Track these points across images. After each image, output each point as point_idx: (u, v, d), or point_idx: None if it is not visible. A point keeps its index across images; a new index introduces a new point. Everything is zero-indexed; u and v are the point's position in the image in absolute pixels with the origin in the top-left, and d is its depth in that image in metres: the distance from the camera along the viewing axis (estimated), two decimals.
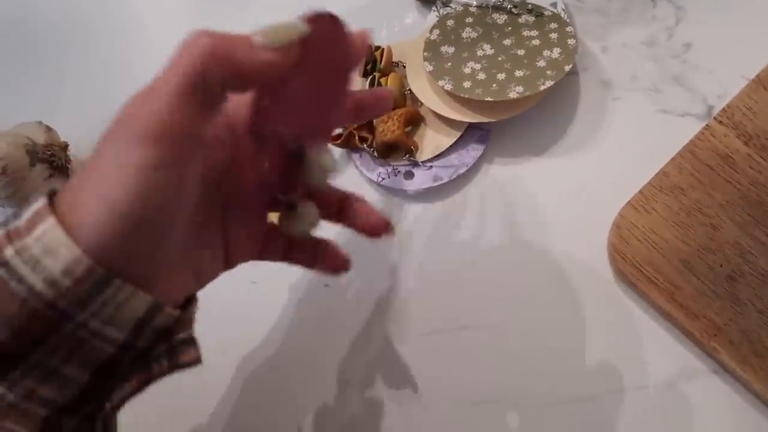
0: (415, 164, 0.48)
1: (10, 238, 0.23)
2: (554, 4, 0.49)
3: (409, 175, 0.48)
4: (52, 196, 0.24)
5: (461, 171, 0.47)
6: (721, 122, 0.44)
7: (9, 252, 0.22)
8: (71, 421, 0.25)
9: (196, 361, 0.27)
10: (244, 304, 0.47)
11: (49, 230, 0.23)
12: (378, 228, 0.35)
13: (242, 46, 0.23)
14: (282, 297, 0.47)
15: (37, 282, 0.22)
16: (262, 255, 0.34)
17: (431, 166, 0.48)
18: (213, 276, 0.33)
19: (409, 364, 0.44)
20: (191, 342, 0.27)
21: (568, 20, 0.48)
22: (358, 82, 0.51)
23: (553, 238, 0.45)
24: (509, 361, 0.43)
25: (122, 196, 0.23)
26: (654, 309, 0.42)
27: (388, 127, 0.47)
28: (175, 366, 0.26)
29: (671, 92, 0.47)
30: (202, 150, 0.26)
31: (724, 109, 0.45)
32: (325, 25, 0.25)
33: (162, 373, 0.26)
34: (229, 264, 0.33)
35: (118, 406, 0.26)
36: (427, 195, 0.48)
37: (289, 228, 0.32)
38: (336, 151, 0.50)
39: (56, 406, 0.24)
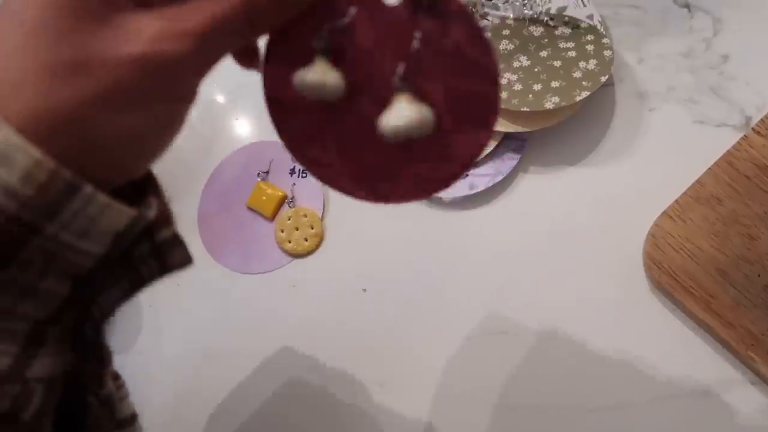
0: None
1: None
2: (590, 17, 0.50)
3: None
4: None
5: (497, 180, 0.48)
6: (759, 133, 0.45)
7: None
8: (56, 329, 0.24)
9: (187, 261, 0.25)
10: (282, 308, 0.49)
11: None
12: None
13: None
14: (320, 300, 0.49)
15: None
16: None
17: (467, 175, 0.49)
18: None
19: (446, 368, 0.44)
20: (177, 242, 0.25)
21: (604, 32, 0.49)
22: None
23: (589, 246, 0.46)
24: (545, 366, 0.43)
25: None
26: (690, 318, 0.42)
27: None
28: (166, 269, 0.25)
29: (708, 103, 0.48)
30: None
31: (762, 119, 0.45)
32: None
33: (153, 277, 0.25)
34: None
35: (108, 313, 0.24)
36: (462, 203, 0.49)
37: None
38: None
39: (38, 320, 0.23)
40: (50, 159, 0.19)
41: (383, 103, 0.24)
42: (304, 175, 0.53)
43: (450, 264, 0.48)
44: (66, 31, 0.20)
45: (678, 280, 0.42)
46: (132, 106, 0.21)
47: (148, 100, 0.21)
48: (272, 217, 0.52)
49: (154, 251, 0.24)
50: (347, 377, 0.46)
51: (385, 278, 0.48)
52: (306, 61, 0.24)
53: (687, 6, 0.50)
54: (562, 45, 0.49)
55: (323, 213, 0.51)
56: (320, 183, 0.27)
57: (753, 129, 0.45)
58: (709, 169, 0.44)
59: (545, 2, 0.51)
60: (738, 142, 0.45)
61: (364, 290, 0.48)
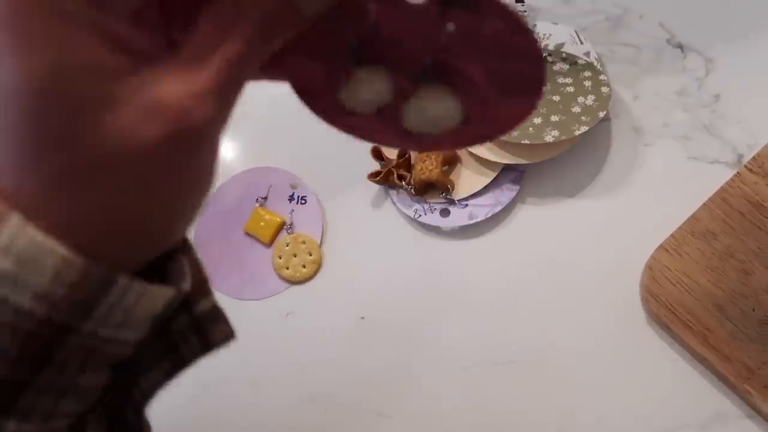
0: (452, 202, 0.49)
1: None
2: (587, 54, 0.52)
3: (445, 213, 0.49)
4: None
5: (496, 210, 0.48)
6: (751, 170, 0.46)
7: None
8: (96, 409, 0.22)
9: (230, 336, 0.23)
10: (280, 335, 0.48)
11: (17, 234, 0.18)
12: None
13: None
14: (316, 328, 0.48)
15: (22, 300, 0.18)
16: None
17: (467, 205, 0.49)
18: None
19: (443, 396, 0.44)
20: (218, 315, 0.23)
21: (601, 69, 0.50)
22: None
23: (586, 278, 0.46)
24: (542, 397, 0.43)
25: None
26: (687, 351, 0.43)
27: (426, 166, 0.49)
28: (209, 347, 0.23)
29: (702, 140, 0.49)
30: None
31: (754, 157, 0.46)
32: None
33: (195, 356, 0.23)
34: None
35: (150, 395, 0.23)
36: (461, 232, 0.49)
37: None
38: (373, 188, 0.52)
39: (78, 413, 0.21)
40: (79, 256, 0.18)
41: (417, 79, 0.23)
42: (303, 201, 0.53)
43: (448, 293, 0.48)
44: (79, 121, 0.17)
45: (675, 313, 0.43)
46: (161, 183, 0.19)
47: (178, 172, 0.19)
48: (270, 243, 0.52)
49: (193, 325, 0.23)
50: (344, 405, 0.45)
51: (383, 306, 0.48)
52: (333, 59, 0.23)
53: (680, 46, 0.52)
54: (560, 80, 0.50)
55: (322, 240, 0.51)
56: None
57: (745, 166, 0.46)
58: (704, 204, 0.45)
59: (543, 38, 0.53)
60: (731, 179, 0.46)
61: (362, 318, 0.48)
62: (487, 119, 0.24)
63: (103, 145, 0.18)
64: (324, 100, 0.24)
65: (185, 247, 0.23)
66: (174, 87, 0.18)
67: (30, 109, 0.17)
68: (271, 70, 0.23)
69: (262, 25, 0.19)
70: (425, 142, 0.25)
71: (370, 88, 0.23)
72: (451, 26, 0.22)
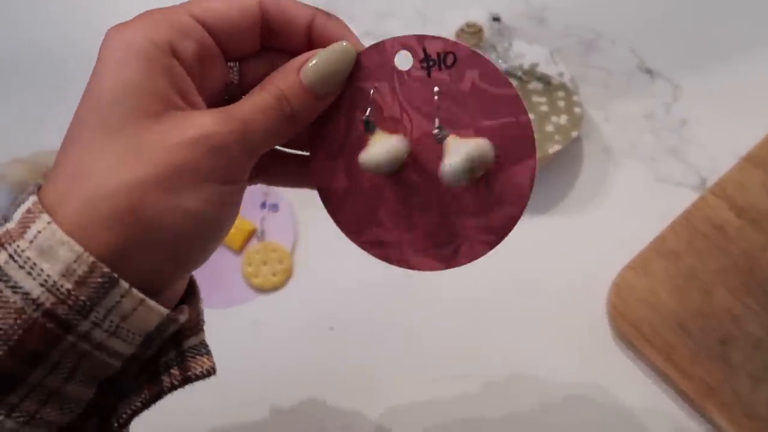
0: None
1: (1, 243, 0.21)
2: (561, 74, 0.53)
3: None
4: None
5: None
6: (714, 194, 0.47)
7: (1, 258, 0.20)
8: None
9: (210, 371, 0.25)
10: (246, 346, 0.47)
11: (43, 229, 0.20)
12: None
13: (299, 101, 0.24)
14: (284, 338, 0.48)
15: (33, 288, 0.20)
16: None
17: None
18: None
19: (411, 410, 0.44)
20: (203, 349, 0.25)
21: (574, 90, 0.51)
22: None
23: (555, 294, 0.47)
24: (508, 412, 0.43)
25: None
26: (651, 368, 0.44)
27: None
28: (188, 378, 0.24)
29: (668, 163, 0.50)
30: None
31: (717, 182, 0.48)
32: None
33: (174, 386, 0.24)
34: None
35: (126, 422, 0.24)
36: None
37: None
38: None
39: (59, 427, 0.22)
40: (90, 254, 0.20)
41: (424, 166, 0.25)
42: (274, 209, 0.52)
43: (417, 306, 0.48)
44: (124, 126, 0.21)
45: (640, 331, 0.44)
46: (186, 184, 0.22)
47: (201, 179, 0.22)
48: (239, 250, 0.51)
49: (178, 357, 0.24)
50: (310, 419, 0.44)
51: (352, 317, 0.48)
52: (344, 148, 0.26)
53: (649, 72, 0.54)
54: (535, 99, 0.51)
55: (293, 248, 0.51)
56: (385, 262, 0.28)
57: (709, 190, 0.48)
58: (670, 225, 0.47)
59: (519, 57, 0.54)
60: (696, 202, 0.47)
61: (331, 329, 0.48)
62: (493, 197, 0.25)
63: (145, 138, 0.22)
64: (326, 169, 0.27)
65: (193, 297, 0.27)
66: (209, 116, 0.23)
67: (105, 107, 0.22)
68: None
69: (278, 97, 0.24)
70: (446, 256, 0.27)
71: (383, 145, 0.25)
72: (436, 88, 0.24)
